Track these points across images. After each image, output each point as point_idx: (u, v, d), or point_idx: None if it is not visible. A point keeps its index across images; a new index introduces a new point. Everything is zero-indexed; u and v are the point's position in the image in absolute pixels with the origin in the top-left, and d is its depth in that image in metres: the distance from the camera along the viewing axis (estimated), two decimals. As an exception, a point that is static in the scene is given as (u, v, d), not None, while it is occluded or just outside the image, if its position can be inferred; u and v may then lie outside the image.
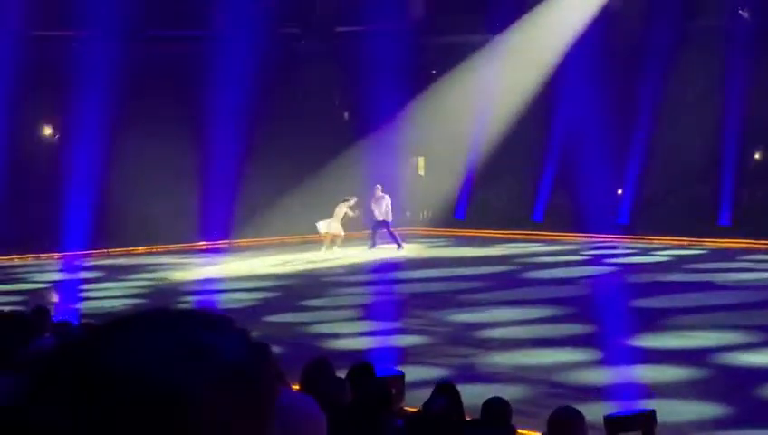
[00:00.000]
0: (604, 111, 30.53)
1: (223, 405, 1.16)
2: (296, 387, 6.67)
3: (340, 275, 23.76)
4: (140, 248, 29.38)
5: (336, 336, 15.55)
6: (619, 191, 31.63)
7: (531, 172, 32.51)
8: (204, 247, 29.31)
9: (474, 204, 33.83)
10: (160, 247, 29.16)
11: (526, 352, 14.20)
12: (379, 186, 27.98)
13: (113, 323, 1.24)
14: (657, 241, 27.75)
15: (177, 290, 21.73)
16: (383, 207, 27.44)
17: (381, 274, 22.94)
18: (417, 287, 21.12)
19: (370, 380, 6.62)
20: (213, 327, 1.22)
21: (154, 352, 1.18)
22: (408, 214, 34.71)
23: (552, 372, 12.87)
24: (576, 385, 12.17)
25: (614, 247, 27.02)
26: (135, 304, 19.09)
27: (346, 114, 35.90)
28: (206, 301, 19.04)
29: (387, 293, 19.79)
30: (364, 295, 19.90)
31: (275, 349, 8.08)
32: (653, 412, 7.54)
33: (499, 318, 16.93)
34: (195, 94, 29.43)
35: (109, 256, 28.04)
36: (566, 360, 13.60)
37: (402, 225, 33.14)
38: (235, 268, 25.02)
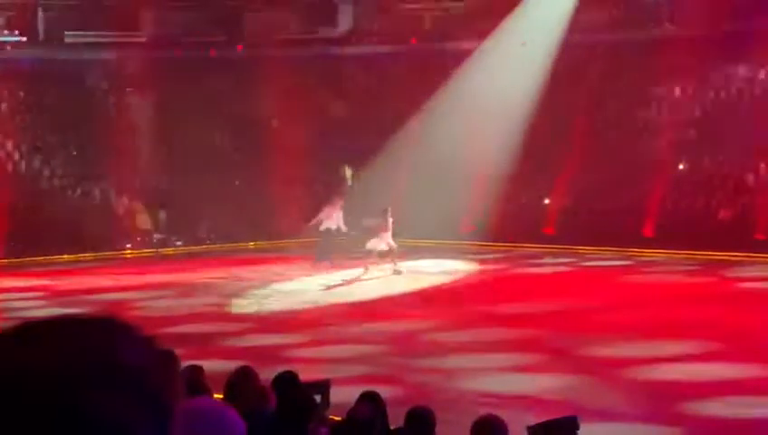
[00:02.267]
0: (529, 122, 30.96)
1: (119, 407, 1.18)
2: (219, 396, 6.63)
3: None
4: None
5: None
6: (546, 201, 31.92)
7: (461, 183, 32.65)
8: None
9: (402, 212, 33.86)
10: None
11: (455, 359, 14.24)
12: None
13: (15, 327, 1.26)
14: (584, 250, 27.99)
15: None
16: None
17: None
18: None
19: (294, 388, 6.58)
20: (113, 332, 1.25)
21: (51, 354, 1.20)
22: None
23: (476, 379, 12.92)
24: (502, 393, 12.21)
25: (540, 257, 27.23)
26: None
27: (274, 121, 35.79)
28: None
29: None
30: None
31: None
32: (575, 419, 7.59)
33: (425, 326, 16.98)
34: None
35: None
36: (491, 366, 13.68)
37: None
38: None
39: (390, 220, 24.04)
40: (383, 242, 23.78)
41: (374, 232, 24.16)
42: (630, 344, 14.88)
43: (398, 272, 23.60)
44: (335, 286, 22.55)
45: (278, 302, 20.59)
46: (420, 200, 29.97)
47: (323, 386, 8.18)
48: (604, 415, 11.14)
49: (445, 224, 29.33)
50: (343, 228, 25.56)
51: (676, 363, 13.41)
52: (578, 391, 12.20)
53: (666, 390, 12.17)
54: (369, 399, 6.67)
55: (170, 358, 6.00)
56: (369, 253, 23.98)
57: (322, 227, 25.45)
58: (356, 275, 23.86)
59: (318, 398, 7.72)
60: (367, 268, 23.93)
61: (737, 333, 15.46)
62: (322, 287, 22.37)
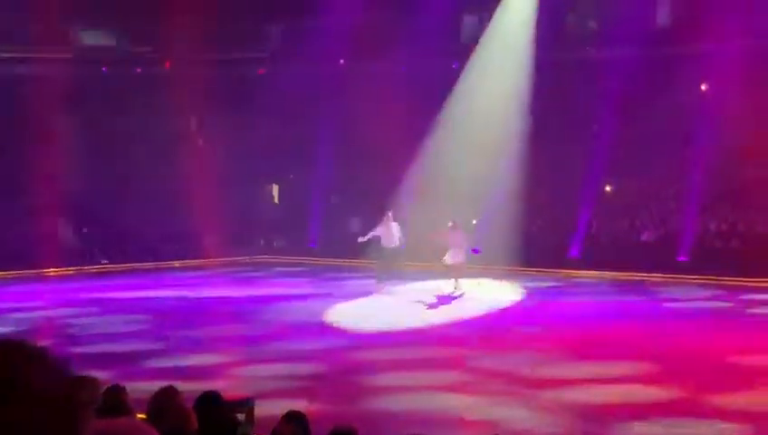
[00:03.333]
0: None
1: (31, 428, 1.18)
2: (142, 416, 6.55)
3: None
4: None
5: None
6: (474, 221, 32.10)
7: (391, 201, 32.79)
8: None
9: (329, 231, 33.94)
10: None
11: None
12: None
13: None
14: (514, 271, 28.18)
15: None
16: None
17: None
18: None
19: (217, 409, 6.53)
20: (20, 355, 1.27)
21: None
22: (262, 242, 34.64)
23: (403, 398, 12.91)
24: (427, 411, 12.21)
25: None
26: None
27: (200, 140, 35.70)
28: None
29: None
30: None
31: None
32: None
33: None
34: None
35: None
36: (419, 384, 13.69)
37: (255, 253, 33.07)
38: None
39: (457, 234, 23.56)
40: (459, 255, 23.38)
41: (447, 247, 23.58)
42: (558, 365, 14.98)
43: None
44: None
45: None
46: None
47: (247, 405, 8.13)
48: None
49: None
50: (398, 243, 24.66)
51: (605, 385, 13.50)
52: (503, 412, 12.25)
53: (594, 411, 12.24)
54: (293, 419, 6.63)
55: (81, 380, 5.92)
56: (450, 268, 23.63)
57: (382, 245, 24.68)
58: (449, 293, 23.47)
59: (242, 417, 7.68)
60: (457, 285, 23.59)
61: (665, 355, 15.63)
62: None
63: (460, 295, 23.18)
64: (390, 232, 24.41)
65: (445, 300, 22.81)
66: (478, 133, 30.99)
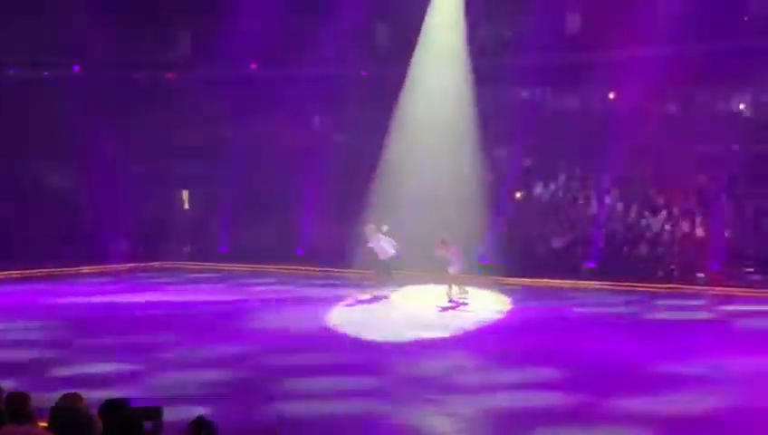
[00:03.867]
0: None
1: None
2: (44, 425, 6.38)
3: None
4: None
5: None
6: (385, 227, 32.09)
7: (297, 207, 32.70)
8: None
9: (240, 237, 33.67)
10: None
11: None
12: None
13: None
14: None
15: None
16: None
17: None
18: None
19: (124, 416, 6.36)
20: None
21: None
22: (172, 247, 34.25)
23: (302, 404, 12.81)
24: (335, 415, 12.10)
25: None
26: None
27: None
28: None
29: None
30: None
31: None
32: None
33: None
34: None
35: None
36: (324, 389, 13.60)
37: (165, 258, 32.69)
38: None
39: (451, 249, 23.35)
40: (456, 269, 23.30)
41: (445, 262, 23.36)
42: (473, 372, 15.03)
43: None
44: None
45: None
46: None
47: (155, 413, 7.96)
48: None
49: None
50: (392, 253, 24.11)
51: (518, 391, 13.55)
52: (420, 418, 12.22)
53: (509, 418, 12.28)
54: (201, 426, 6.50)
55: None
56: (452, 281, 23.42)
57: (381, 258, 24.15)
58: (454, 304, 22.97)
59: (149, 425, 7.51)
60: (464, 293, 23.39)
61: (572, 361, 15.75)
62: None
63: (463, 302, 23.05)
64: (380, 244, 24.10)
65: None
66: (418, 137, 30.82)
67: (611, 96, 32.40)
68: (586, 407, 12.64)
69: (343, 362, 15.92)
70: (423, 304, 23.06)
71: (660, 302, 23.43)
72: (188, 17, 35.36)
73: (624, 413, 12.23)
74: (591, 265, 28.26)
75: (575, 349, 17.00)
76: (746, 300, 23.39)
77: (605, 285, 26.13)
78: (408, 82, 31.86)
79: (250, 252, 31.54)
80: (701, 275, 26.55)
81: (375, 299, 23.59)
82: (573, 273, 27.47)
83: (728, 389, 13.75)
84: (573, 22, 32.13)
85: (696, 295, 24.43)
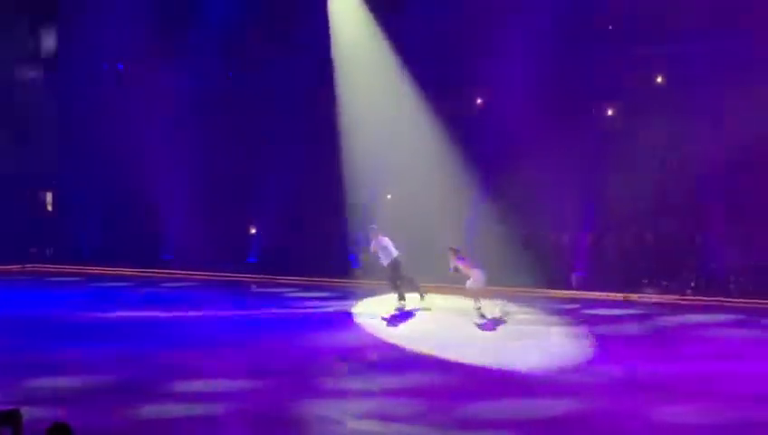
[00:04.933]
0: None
1: None
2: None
3: None
4: None
5: None
6: (252, 230, 32.10)
7: (164, 210, 32.38)
8: None
9: (103, 241, 33.24)
10: None
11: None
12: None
13: None
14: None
15: None
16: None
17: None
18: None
19: None
20: None
21: None
22: (33, 250, 33.55)
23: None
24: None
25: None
26: None
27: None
28: None
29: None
30: None
31: None
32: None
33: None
34: None
35: None
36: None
37: (26, 261, 32.08)
38: None
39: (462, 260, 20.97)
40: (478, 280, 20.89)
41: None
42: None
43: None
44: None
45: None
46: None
47: (13, 417, 7.90)
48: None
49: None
50: (394, 254, 22.16)
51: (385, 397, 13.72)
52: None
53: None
54: (59, 431, 6.48)
55: None
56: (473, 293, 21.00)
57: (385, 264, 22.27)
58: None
59: (8, 430, 7.48)
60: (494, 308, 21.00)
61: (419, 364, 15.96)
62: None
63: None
64: (382, 248, 22.43)
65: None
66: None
67: (479, 101, 32.44)
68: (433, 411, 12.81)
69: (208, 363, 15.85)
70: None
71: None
72: (54, 16, 34.75)
73: (483, 418, 12.47)
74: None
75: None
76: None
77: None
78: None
79: (113, 254, 31.29)
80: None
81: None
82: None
83: (582, 391, 14.12)
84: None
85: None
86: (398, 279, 22.27)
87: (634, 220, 26.82)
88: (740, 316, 21.87)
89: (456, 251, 21.23)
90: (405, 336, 19.06)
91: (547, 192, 26.98)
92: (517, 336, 18.94)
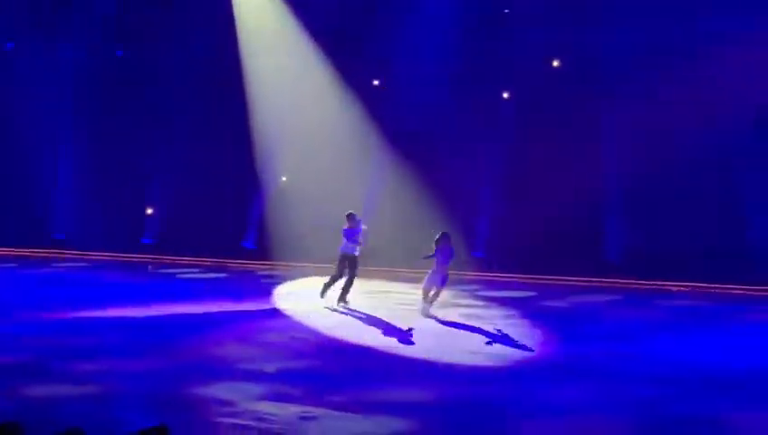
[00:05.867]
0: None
1: None
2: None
3: None
4: None
5: None
6: (149, 211, 31.64)
7: (54, 190, 31.78)
8: None
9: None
10: None
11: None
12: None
13: None
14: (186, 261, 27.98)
15: None
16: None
17: None
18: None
19: None
20: None
21: None
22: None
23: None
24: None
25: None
26: None
27: None
28: None
29: None
30: None
31: None
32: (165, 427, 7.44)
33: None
34: None
35: None
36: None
37: None
38: None
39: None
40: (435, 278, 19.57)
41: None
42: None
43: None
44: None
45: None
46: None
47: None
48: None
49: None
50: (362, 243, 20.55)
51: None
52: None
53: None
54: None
55: None
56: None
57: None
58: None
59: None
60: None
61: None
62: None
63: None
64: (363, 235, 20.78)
65: None
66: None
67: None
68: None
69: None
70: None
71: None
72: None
73: (379, 399, 12.44)
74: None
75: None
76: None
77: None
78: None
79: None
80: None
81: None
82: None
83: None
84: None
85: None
86: (348, 272, 20.61)
87: (535, 202, 26.99)
88: (632, 298, 22.28)
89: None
90: (303, 317, 19.00)
91: (449, 175, 27.14)
92: (412, 319, 18.94)
